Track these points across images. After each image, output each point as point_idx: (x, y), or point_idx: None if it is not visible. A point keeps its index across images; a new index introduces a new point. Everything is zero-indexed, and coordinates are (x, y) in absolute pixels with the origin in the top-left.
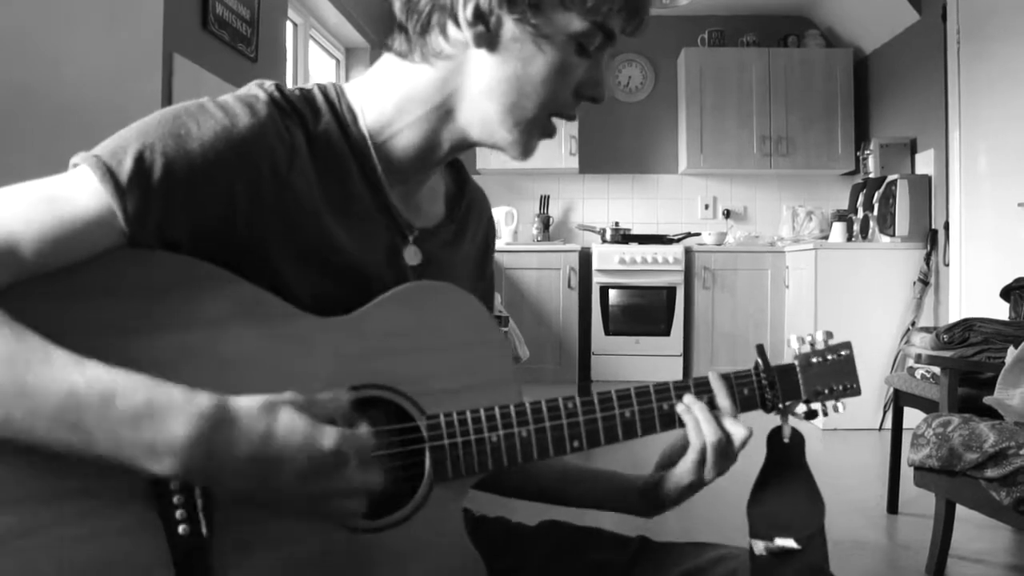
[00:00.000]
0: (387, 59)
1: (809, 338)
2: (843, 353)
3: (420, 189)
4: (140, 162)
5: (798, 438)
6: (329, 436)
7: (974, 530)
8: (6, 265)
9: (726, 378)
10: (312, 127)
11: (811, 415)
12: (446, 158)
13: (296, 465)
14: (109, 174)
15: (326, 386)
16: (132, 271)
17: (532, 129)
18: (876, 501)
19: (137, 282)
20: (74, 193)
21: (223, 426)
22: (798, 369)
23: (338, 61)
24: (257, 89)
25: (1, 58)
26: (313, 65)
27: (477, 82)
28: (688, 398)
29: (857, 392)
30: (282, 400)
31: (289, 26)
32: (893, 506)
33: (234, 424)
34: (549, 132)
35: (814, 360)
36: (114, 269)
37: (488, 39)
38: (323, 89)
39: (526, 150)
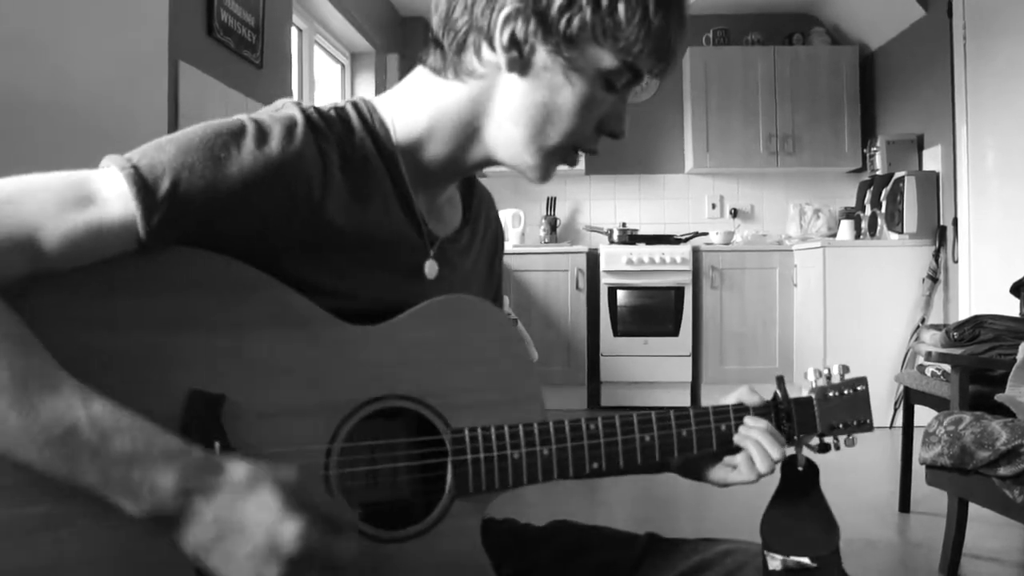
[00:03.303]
0: (420, 73)
1: (826, 371)
2: (859, 388)
3: (441, 196)
4: (176, 185)
5: (812, 468)
6: (294, 526)
7: (988, 528)
8: (28, 258)
9: (759, 409)
10: (347, 146)
11: (823, 448)
12: (468, 173)
13: (253, 541)
14: (145, 191)
15: (355, 394)
16: (177, 268)
17: (553, 156)
18: (888, 499)
19: (180, 279)
20: (106, 200)
21: (206, 483)
22: (815, 403)
23: (343, 66)
24: (294, 109)
25: (7, 66)
26: (318, 70)
27: (506, 105)
28: (750, 420)
29: (869, 428)
30: (269, 475)
31: (294, 32)
32: (905, 504)
33: (216, 484)
34: (570, 161)
35: (831, 394)
36: (159, 264)
37: (520, 65)
38: (356, 106)
39: (545, 175)
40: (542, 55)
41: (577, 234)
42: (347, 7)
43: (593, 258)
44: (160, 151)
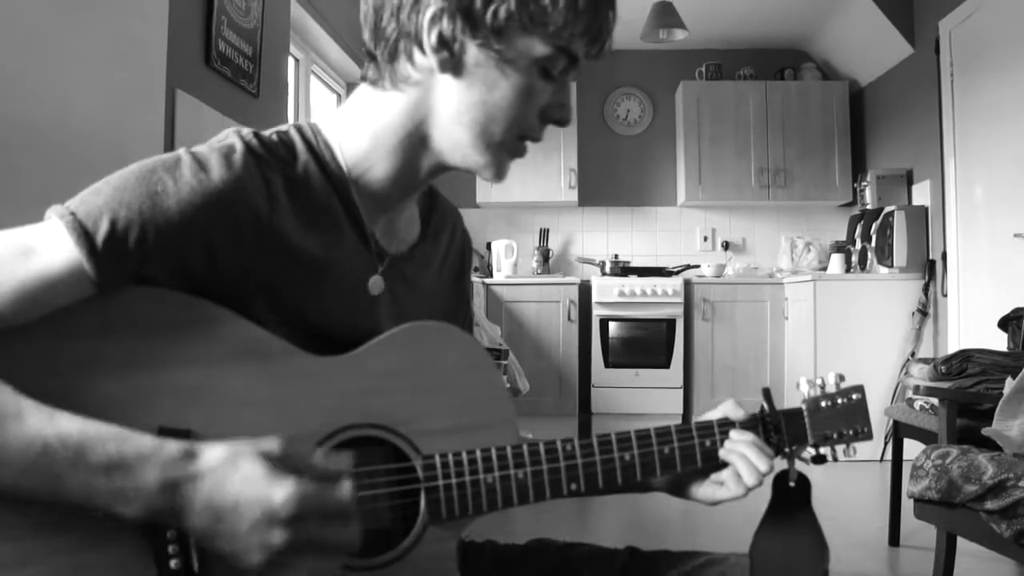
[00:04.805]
0: (361, 89)
1: (819, 381)
2: (854, 397)
3: (402, 215)
4: (115, 224)
5: (804, 482)
6: (282, 489)
7: (976, 563)
8: None
9: (742, 423)
10: (291, 170)
11: (819, 459)
12: (424, 183)
13: (249, 514)
14: (84, 236)
15: (323, 424)
16: (135, 308)
17: (502, 151)
18: (877, 533)
19: (140, 319)
20: (48, 251)
21: (187, 472)
22: (805, 413)
23: (339, 95)
24: (234, 138)
25: (5, 95)
26: (314, 99)
27: (446, 108)
28: (735, 434)
29: (868, 436)
30: (250, 449)
31: (291, 61)
32: (894, 538)
33: (197, 470)
34: (519, 153)
35: (823, 404)
36: (117, 306)
37: (453, 64)
38: (299, 129)
39: (498, 171)
40: (473, 52)
41: (569, 265)
42: (344, 37)
43: (585, 289)
44: (96, 195)
